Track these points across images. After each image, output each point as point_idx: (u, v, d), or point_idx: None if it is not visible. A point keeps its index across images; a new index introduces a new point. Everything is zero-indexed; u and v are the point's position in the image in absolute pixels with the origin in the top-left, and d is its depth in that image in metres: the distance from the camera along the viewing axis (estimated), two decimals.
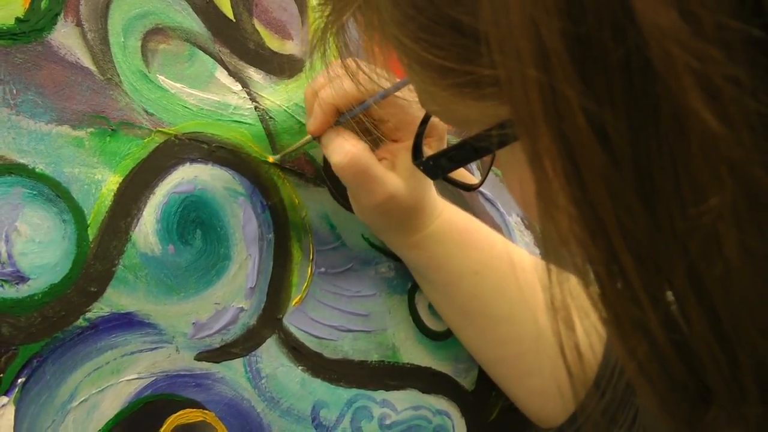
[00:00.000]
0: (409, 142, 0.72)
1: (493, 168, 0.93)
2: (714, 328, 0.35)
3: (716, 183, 0.30)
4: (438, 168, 0.57)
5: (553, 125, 0.33)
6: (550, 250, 0.39)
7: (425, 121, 0.68)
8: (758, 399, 0.36)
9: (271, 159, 0.80)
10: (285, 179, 0.81)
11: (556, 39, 0.31)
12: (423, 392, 0.90)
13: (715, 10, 0.28)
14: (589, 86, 0.31)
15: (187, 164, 0.74)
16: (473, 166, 1.00)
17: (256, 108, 0.80)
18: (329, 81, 0.76)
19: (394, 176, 0.78)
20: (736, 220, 0.31)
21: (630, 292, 0.35)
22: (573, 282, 0.39)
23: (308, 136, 0.79)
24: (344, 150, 0.75)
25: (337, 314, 0.83)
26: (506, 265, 0.85)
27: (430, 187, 0.83)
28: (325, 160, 0.84)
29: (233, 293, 0.76)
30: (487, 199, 1.01)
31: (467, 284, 0.85)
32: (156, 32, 0.74)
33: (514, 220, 1.04)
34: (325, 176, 0.85)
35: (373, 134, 0.78)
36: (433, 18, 0.39)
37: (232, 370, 0.75)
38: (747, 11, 0.29)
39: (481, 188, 0.83)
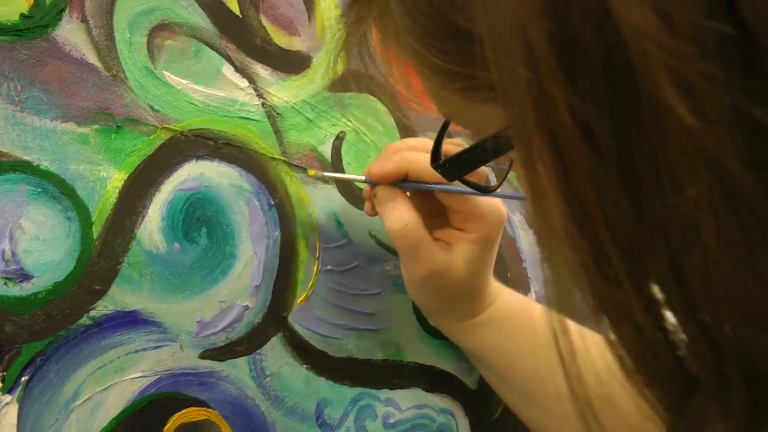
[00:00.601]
0: (474, 235, 0.78)
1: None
2: (695, 317, 0.36)
3: (693, 175, 0.31)
4: (455, 170, 0.59)
5: (542, 123, 0.34)
6: (543, 244, 0.40)
7: (445, 126, 0.67)
8: (741, 388, 0.36)
9: (312, 173, 0.80)
10: (292, 176, 0.80)
11: (542, 40, 0.32)
12: (427, 391, 0.90)
13: (690, 9, 0.29)
14: (574, 84, 0.32)
15: (193, 161, 0.73)
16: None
17: (263, 104, 0.79)
18: (421, 147, 0.78)
19: (445, 256, 0.79)
20: (713, 211, 0.32)
21: (615, 281, 0.37)
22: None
23: (362, 176, 0.80)
24: (399, 216, 0.76)
25: (342, 312, 0.83)
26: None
27: (487, 273, 0.83)
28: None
29: (238, 291, 0.75)
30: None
31: (525, 364, 0.84)
32: (162, 28, 0.73)
33: (517, 218, 1.04)
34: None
35: (439, 216, 0.81)
36: (438, 24, 0.41)
37: (237, 369, 0.74)
38: (720, 9, 0.29)
39: None
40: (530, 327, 0.85)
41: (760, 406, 0.37)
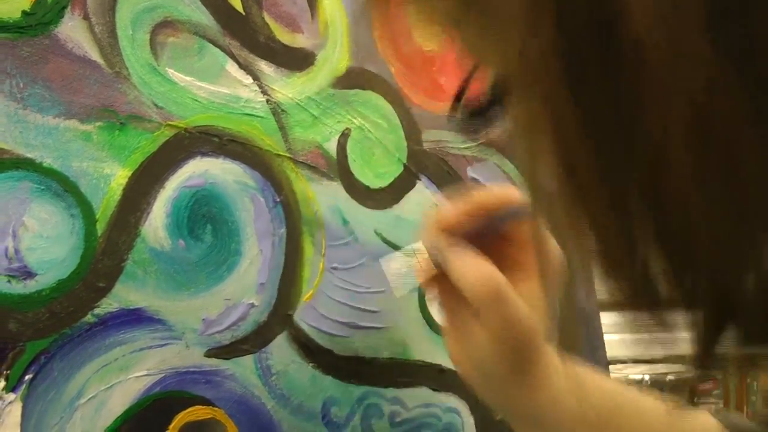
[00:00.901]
0: (527, 273, 0.71)
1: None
2: (665, 240, 0.36)
3: (670, 104, 0.31)
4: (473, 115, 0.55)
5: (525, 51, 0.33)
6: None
7: (473, 71, 0.63)
8: (711, 315, 0.36)
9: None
10: (297, 173, 0.80)
11: None
12: (433, 390, 0.90)
13: None
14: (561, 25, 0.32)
15: (198, 158, 0.73)
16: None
17: (267, 101, 0.79)
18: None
19: (521, 301, 0.69)
20: (685, 142, 0.32)
21: (590, 193, 0.36)
22: None
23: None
24: (479, 266, 0.68)
25: (348, 310, 0.83)
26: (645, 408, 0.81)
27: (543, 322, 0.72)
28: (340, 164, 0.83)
29: (244, 289, 0.75)
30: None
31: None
32: (165, 25, 0.73)
33: None
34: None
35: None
36: None
37: (243, 367, 0.74)
38: None
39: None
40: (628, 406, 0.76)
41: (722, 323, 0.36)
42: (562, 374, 0.72)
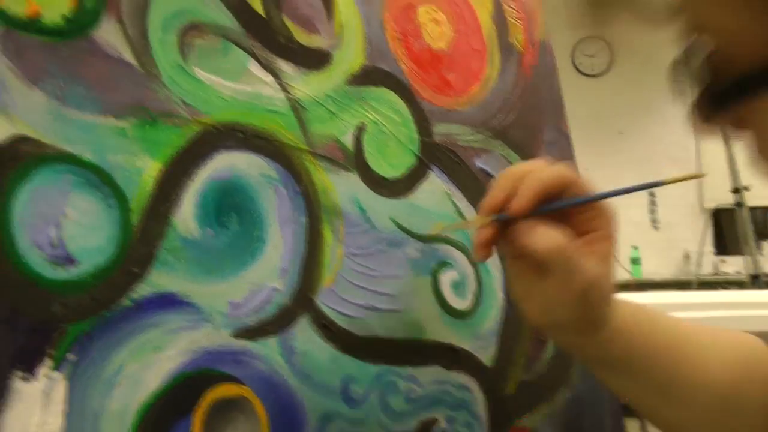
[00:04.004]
0: (605, 231, 0.75)
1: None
2: None
3: None
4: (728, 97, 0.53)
5: None
6: None
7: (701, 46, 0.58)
8: None
9: (435, 230, 0.80)
10: (316, 165, 0.81)
11: None
12: (446, 368, 0.91)
13: None
14: None
15: (224, 152, 0.74)
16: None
17: (287, 98, 0.80)
18: (545, 164, 0.75)
19: (593, 263, 0.74)
20: None
21: None
22: None
23: (489, 217, 0.76)
24: (552, 239, 0.72)
25: (366, 294, 0.84)
26: (688, 329, 0.85)
27: (613, 273, 0.78)
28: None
29: (268, 274, 0.76)
30: None
31: (663, 361, 0.81)
32: (192, 28, 0.74)
33: None
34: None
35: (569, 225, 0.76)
36: None
37: (267, 347, 0.75)
38: None
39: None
40: (662, 322, 0.84)
41: None
42: (621, 316, 0.79)
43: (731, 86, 0.48)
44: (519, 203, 0.73)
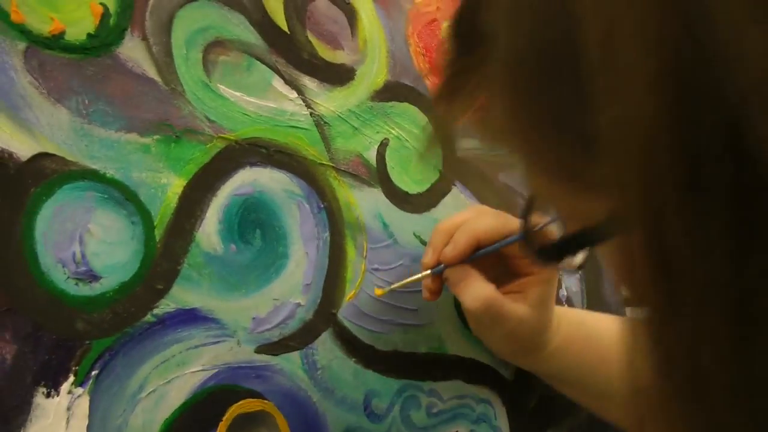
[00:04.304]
0: (544, 273, 0.79)
1: None
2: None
3: None
4: (556, 255, 0.55)
5: (651, 227, 0.31)
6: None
7: (530, 205, 0.63)
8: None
9: (378, 292, 0.82)
10: (340, 181, 0.81)
11: (666, 156, 0.29)
12: (467, 382, 0.90)
13: None
14: (694, 196, 0.29)
15: (247, 168, 0.74)
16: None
17: (311, 114, 0.80)
18: (477, 215, 0.80)
19: (522, 307, 0.80)
20: None
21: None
22: None
23: (427, 272, 0.81)
24: (477, 294, 0.78)
25: (388, 308, 0.83)
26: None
27: (553, 306, 0.84)
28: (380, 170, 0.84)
29: (291, 289, 0.76)
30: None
31: (599, 373, 0.86)
32: (216, 44, 0.74)
33: None
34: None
35: (506, 269, 0.83)
36: (555, 116, 0.36)
37: (290, 362, 0.75)
38: None
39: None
40: (596, 340, 0.87)
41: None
42: (562, 335, 0.87)
43: (562, 245, 0.50)
44: (451, 253, 0.79)
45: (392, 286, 0.82)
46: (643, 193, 0.30)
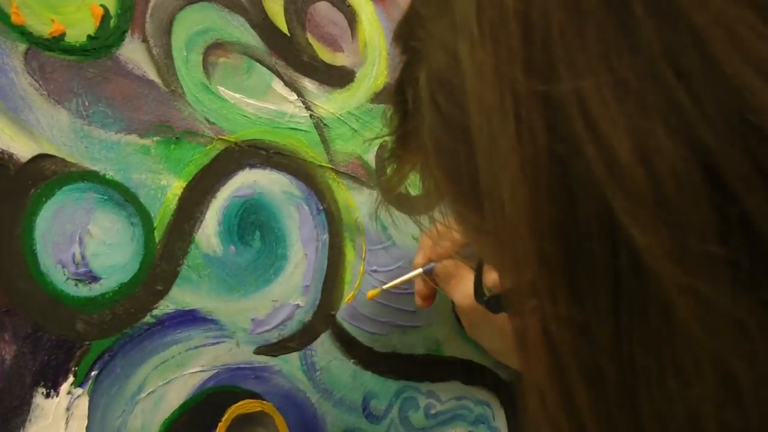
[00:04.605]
0: None
1: None
2: None
3: (699, 375, 0.30)
4: (499, 305, 0.58)
5: (539, 316, 0.32)
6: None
7: (480, 266, 0.67)
8: None
9: (370, 294, 0.81)
10: (339, 183, 0.81)
11: (551, 251, 0.31)
12: (465, 384, 0.90)
13: (701, 235, 0.28)
14: (575, 291, 0.31)
15: (247, 170, 0.74)
16: None
17: (311, 116, 0.80)
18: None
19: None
20: (716, 402, 0.30)
21: None
22: None
23: (418, 270, 0.81)
24: (467, 291, 0.77)
25: (386, 310, 0.83)
26: None
27: None
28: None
29: (290, 291, 0.75)
30: None
31: None
32: (216, 47, 0.74)
33: None
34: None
35: None
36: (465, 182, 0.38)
37: (289, 363, 0.74)
38: (731, 234, 0.28)
39: None
40: None
41: None
42: None
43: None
44: (439, 248, 0.79)
45: (384, 287, 0.81)
46: (527, 276, 0.32)
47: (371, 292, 0.81)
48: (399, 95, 0.46)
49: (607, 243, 0.29)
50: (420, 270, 0.80)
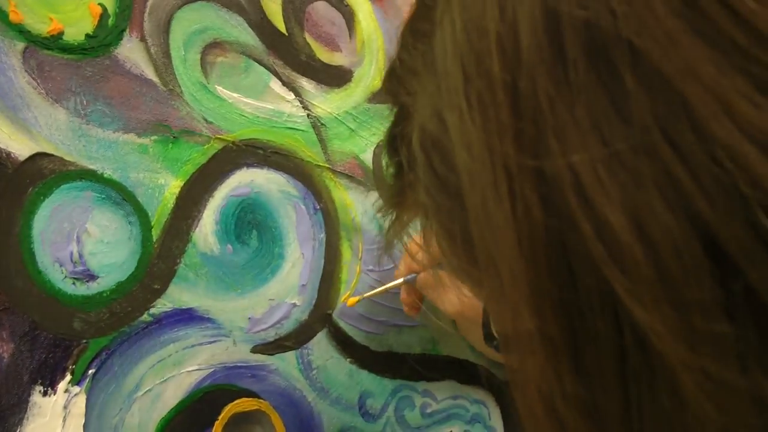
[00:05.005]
0: None
1: None
2: None
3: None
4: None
5: (541, 380, 0.32)
6: None
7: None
8: None
9: (350, 302, 0.80)
10: (336, 182, 0.81)
11: (553, 330, 0.30)
12: (461, 383, 0.90)
13: (707, 316, 0.27)
14: (580, 369, 0.30)
15: (244, 169, 0.74)
16: None
17: (308, 115, 0.80)
18: None
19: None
20: None
21: None
22: None
23: (399, 280, 0.80)
24: (453, 299, 0.78)
25: (383, 310, 0.83)
26: None
27: None
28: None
29: (287, 290, 0.75)
30: None
31: None
32: (214, 46, 0.74)
33: None
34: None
35: None
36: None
37: (285, 362, 0.74)
38: (740, 314, 0.27)
39: None
40: None
41: None
42: None
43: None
44: (420, 260, 0.76)
45: (365, 295, 0.81)
46: (530, 349, 0.31)
47: (351, 299, 0.80)
48: (392, 150, 0.46)
49: (610, 320, 0.29)
50: (401, 280, 0.80)
